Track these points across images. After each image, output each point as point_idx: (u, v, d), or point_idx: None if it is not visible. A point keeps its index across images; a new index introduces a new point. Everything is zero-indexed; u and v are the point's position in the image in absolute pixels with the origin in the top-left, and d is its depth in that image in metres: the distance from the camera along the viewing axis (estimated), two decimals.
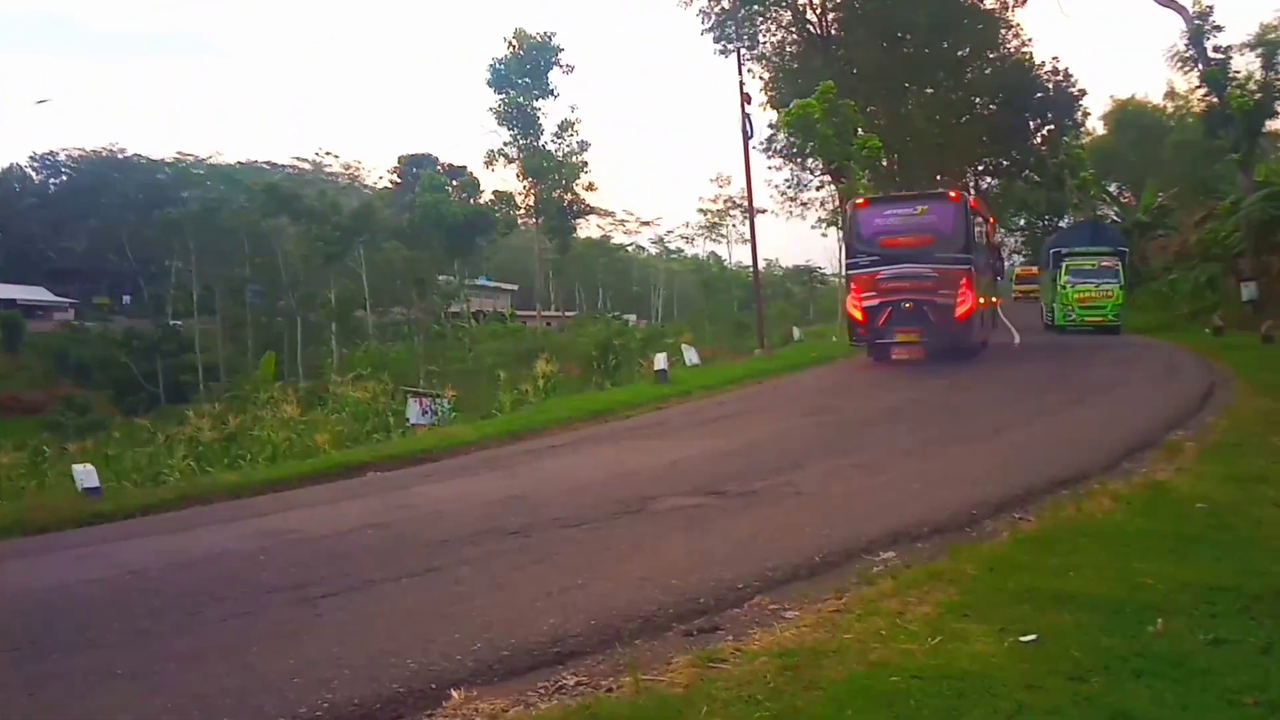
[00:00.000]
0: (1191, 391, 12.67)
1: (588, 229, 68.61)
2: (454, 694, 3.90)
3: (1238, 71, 30.04)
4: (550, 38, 50.42)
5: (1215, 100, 30.13)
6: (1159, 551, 5.15)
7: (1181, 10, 30.08)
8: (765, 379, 18.59)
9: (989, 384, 15.20)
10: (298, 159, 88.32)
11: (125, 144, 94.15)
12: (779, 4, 38.64)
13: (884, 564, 5.48)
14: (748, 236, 29.38)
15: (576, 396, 17.41)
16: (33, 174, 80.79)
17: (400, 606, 5.10)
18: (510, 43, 50.03)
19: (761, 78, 39.57)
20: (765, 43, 39.85)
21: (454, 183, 60.45)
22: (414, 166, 72.16)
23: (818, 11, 38.53)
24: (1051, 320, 27.41)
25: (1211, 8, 29.84)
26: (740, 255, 75.44)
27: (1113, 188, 49.50)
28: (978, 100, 42.30)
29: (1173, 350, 19.64)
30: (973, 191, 38.86)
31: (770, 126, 39.46)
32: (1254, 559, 4.96)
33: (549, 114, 51.58)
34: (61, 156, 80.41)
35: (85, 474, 10.16)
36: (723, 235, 79.32)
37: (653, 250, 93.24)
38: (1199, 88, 33.34)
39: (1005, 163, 45.50)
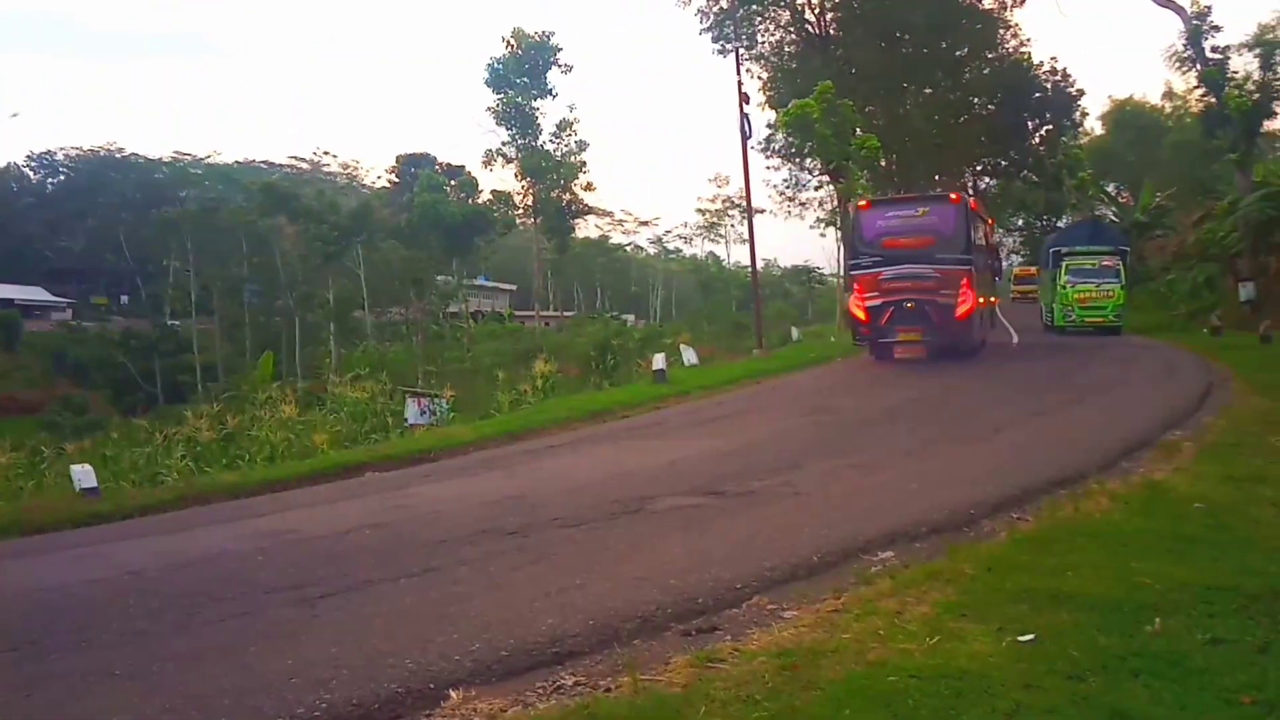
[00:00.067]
0: (1189, 391, 12.69)
1: (586, 229, 68.86)
2: (452, 694, 3.90)
3: (1236, 72, 30.02)
4: (549, 37, 50.33)
5: (1213, 100, 30.18)
6: (1157, 551, 5.16)
7: (1180, 10, 30.11)
8: (763, 379, 18.61)
9: (987, 384, 15.21)
10: (296, 158, 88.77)
11: (123, 143, 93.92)
12: (777, 4, 38.59)
13: (882, 564, 5.49)
14: (746, 236, 29.38)
15: (575, 397, 17.40)
16: (30, 173, 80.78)
17: (398, 607, 5.09)
18: (509, 42, 49.93)
19: (760, 77, 39.58)
20: (764, 42, 39.86)
21: (452, 182, 60.28)
22: (412, 166, 71.98)
23: (816, 11, 38.49)
24: (1051, 321, 27.06)
25: (1210, 8, 29.92)
26: (738, 255, 75.82)
27: (1111, 188, 49.55)
28: (976, 100, 42.26)
29: (1171, 350, 19.66)
30: (971, 192, 38.96)
31: (769, 126, 39.40)
32: (1252, 559, 4.96)
33: (547, 114, 51.51)
34: (59, 156, 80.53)
35: (83, 474, 10.17)
36: (721, 235, 79.72)
37: (651, 250, 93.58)
38: (1197, 88, 33.34)
39: (1003, 163, 45.46)
